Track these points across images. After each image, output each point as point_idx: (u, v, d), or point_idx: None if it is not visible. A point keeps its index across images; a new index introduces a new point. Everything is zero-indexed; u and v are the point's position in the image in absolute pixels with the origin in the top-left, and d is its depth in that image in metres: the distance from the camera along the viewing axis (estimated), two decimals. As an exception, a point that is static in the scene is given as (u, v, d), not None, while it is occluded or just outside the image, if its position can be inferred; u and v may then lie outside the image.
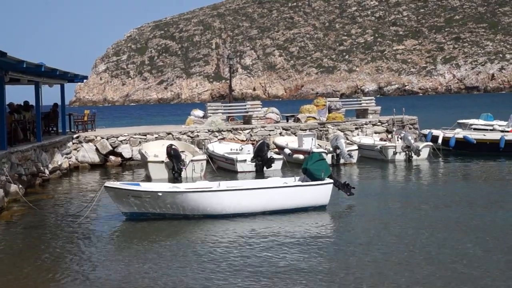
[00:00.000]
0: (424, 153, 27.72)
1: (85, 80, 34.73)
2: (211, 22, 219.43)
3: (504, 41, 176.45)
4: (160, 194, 15.32)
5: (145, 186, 16.28)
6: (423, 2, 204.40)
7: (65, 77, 28.86)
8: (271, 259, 11.57)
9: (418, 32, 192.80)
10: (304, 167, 16.62)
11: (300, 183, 16.68)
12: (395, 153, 27.57)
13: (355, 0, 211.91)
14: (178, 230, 14.46)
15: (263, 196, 15.88)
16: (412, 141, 27.66)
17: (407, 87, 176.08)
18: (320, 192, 16.30)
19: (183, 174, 23.08)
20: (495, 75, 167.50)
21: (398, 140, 28.03)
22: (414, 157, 27.23)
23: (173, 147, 23.46)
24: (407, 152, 27.39)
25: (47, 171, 23.68)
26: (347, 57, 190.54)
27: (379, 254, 11.69)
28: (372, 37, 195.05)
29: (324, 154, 22.49)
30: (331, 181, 16.49)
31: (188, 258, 11.83)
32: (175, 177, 22.74)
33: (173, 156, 22.98)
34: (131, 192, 15.43)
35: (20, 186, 19.49)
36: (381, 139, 30.40)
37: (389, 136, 30.90)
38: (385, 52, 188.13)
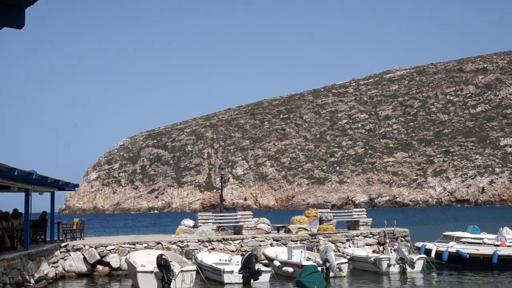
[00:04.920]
0: (418, 265, 27.40)
1: (76, 188, 34.61)
2: (203, 132, 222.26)
3: (493, 155, 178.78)
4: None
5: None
6: (412, 116, 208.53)
7: (56, 185, 28.75)
8: None
9: (408, 145, 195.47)
10: (298, 279, 16.37)
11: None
12: (389, 265, 27.23)
13: (346, 113, 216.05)
14: None
15: None
16: (406, 253, 27.39)
17: (398, 199, 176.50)
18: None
19: (172, 285, 22.61)
20: (485, 188, 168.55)
21: (391, 252, 27.75)
22: (408, 269, 26.87)
23: (163, 257, 23.10)
24: (401, 264, 27.05)
25: (32, 281, 23.14)
26: (338, 168, 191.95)
27: None
28: (362, 149, 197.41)
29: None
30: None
31: None
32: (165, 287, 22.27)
33: (163, 266, 22.58)
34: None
35: (4, 295, 18.99)
36: (373, 251, 30.09)
37: (381, 248, 30.61)
38: (376, 164, 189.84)
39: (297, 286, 16.40)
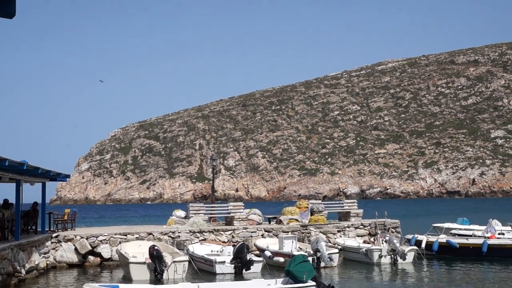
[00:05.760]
0: (410, 257, 27.53)
1: (67, 179, 34.55)
2: (195, 123, 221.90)
3: (484, 147, 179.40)
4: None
5: (123, 288, 15.89)
6: (404, 108, 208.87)
7: (47, 175, 28.66)
8: None
9: (399, 136, 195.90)
10: (287, 268, 16.37)
11: (281, 285, 16.32)
12: (380, 256, 27.33)
13: (338, 104, 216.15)
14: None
15: None
16: (398, 244, 27.49)
17: (389, 190, 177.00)
18: (302, 295, 15.91)
19: (164, 276, 22.65)
20: (476, 180, 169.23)
21: (382, 243, 27.87)
22: (400, 260, 26.99)
23: (156, 247, 23.11)
24: (392, 255, 27.17)
25: (23, 271, 23.12)
26: (329, 159, 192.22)
27: None
28: (354, 141, 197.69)
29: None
30: (314, 283, 16.16)
31: None
32: (158, 278, 22.28)
33: (156, 257, 22.59)
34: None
35: (-5, 286, 18.97)
36: (364, 242, 30.21)
37: (372, 239, 30.74)
38: (367, 155, 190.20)
39: (287, 275, 16.41)
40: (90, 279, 23.44)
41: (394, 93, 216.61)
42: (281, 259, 25.80)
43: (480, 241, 29.39)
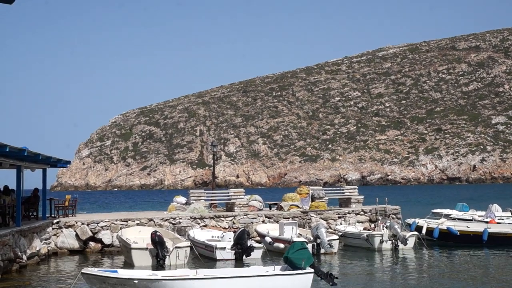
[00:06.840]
0: (411, 242, 27.55)
1: (68, 165, 34.54)
2: (196, 110, 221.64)
3: (485, 133, 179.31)
4: (136, 281, 14.91)
5: (122, 273, 15.88)
6: (404, 94, 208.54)
7: (48, 161, 28.63)
8: None
9: (400, 122, 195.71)
10: (286, 255, 16.35)
11: (279, 271, 16.27)
12: (381, 242, 27.35)
13: (338, 91, 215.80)
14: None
15: (242, 285, 15.43)
16: (399, 230, 27.51)
17: (389, 176, 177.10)
18: (300, 282, 15.87)
19: (166, 261, 22.66)
20: (476, 166, 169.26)
21: (383, 229, 27.90)
22: (401, 246, 27.00)
23: (158, 233, 23.09)
24: (393, 241, 27.20)
25: (24, 257, 23.15)
26: (330, 146, 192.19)
27: None
28: (355, 127, 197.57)
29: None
30: (312, 270, 16.13)
31: None
32: (160, 264, 22.29)
33: (158, 243, 22.58)
34: (108, 279, 15.05)
35: (-4, 272, 19.00)
36: (365, 228, 30.24)
37: (372, 225, 30.76)
38: (368, 142, 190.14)
39: (285, 262, 16.40)
40: (91, 265, 23.49)
41: (395, 79, 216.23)
42: (281, 245, 25.84)
43: (481, 229, 29.29)
